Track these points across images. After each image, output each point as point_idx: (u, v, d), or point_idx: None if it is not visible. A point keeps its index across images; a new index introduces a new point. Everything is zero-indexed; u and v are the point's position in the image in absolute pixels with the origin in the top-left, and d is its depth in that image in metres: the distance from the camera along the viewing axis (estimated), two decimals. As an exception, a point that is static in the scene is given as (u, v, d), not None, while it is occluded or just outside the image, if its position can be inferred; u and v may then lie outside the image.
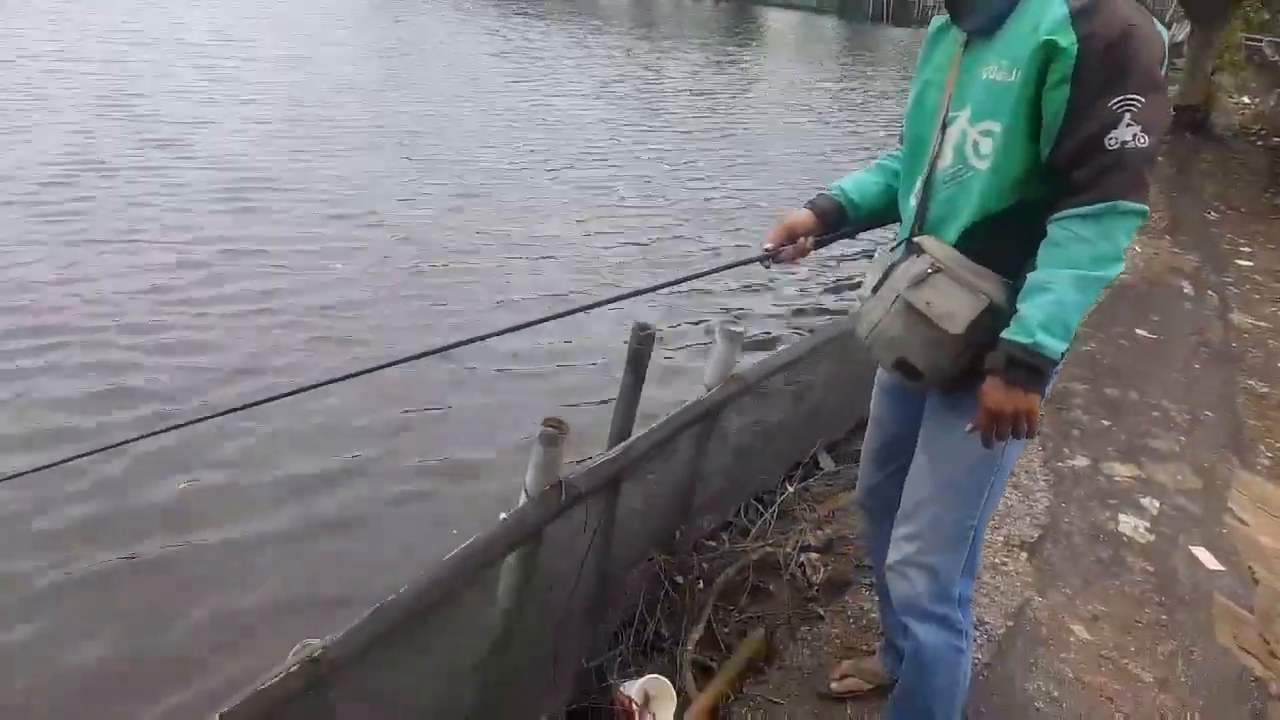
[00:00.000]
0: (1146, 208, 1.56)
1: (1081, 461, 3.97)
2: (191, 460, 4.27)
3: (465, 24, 24.70)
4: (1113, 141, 1.52)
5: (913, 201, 1.90)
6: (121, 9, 18.07)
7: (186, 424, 1.89)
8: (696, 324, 6.63)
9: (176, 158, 8.80)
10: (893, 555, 2.01)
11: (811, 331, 4.66)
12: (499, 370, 5.61)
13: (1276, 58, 25.92)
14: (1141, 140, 1.51)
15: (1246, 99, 21.15)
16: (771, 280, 7.58)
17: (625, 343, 2.76)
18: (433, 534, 4.04)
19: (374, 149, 10.13)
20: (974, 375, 1.70)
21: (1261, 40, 26.43)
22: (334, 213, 7.81)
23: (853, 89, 21.64)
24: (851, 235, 2.29)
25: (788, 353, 3.43)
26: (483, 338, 2.11)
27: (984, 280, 1.72)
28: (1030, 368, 1.61)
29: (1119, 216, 1.54)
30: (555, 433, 2.25)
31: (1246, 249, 8.38)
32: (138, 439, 1.97)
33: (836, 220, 2.15)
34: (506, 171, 9.99)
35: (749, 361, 3.23)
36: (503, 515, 2.32)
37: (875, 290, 1.90)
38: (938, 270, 1.76)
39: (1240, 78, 21.64)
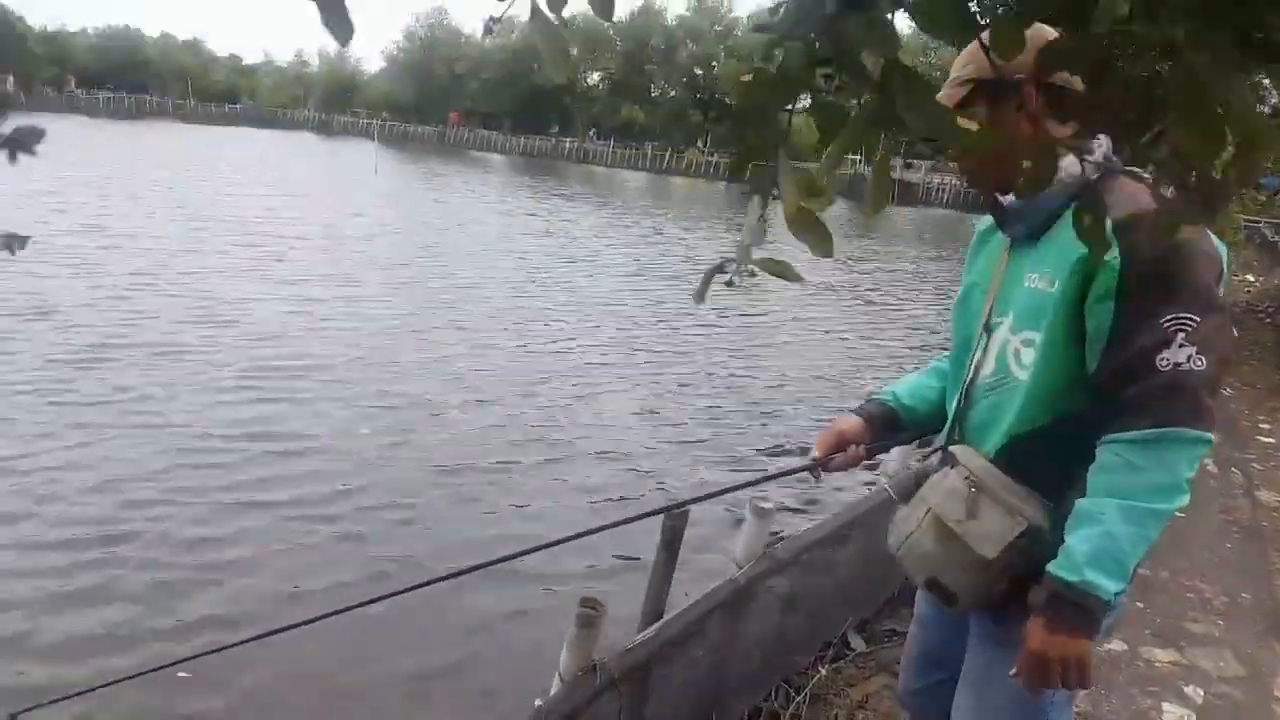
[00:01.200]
0: (1210, 435, 1.43)
1: (1118, 646, 3.86)
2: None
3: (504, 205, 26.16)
4: (1165, 363, 1.42)
5: (954, 406, 1.82)
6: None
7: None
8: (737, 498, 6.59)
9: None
10: None
11: (839, 511, 4.64)
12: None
13: (1276, 238, 26.81)
14: (1198, 363, 1.40)
15: (1250, 277, 21.71)
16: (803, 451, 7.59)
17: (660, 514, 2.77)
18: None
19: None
20: (1021, 598, 1.56)
21: (1260, 221, 27.52)
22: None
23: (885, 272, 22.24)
24: (906, 442, 2.20)
25: (819, 529, 3.43)
26: (524, 552, 2.00)
27: (1023, 501, 1.61)
28: (1078, 608, 1.46)
29: (1178, 445, 1.42)
30: (592, 614, 2.25)
31: (1266, 425, 8.39)
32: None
33: (888, 427, 2.01)
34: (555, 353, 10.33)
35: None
36: (537, 702, 2.28)
37: (907, 498, 1.81)
38: (973, 487, 1.65)
39: (1243, 257, 22.28)
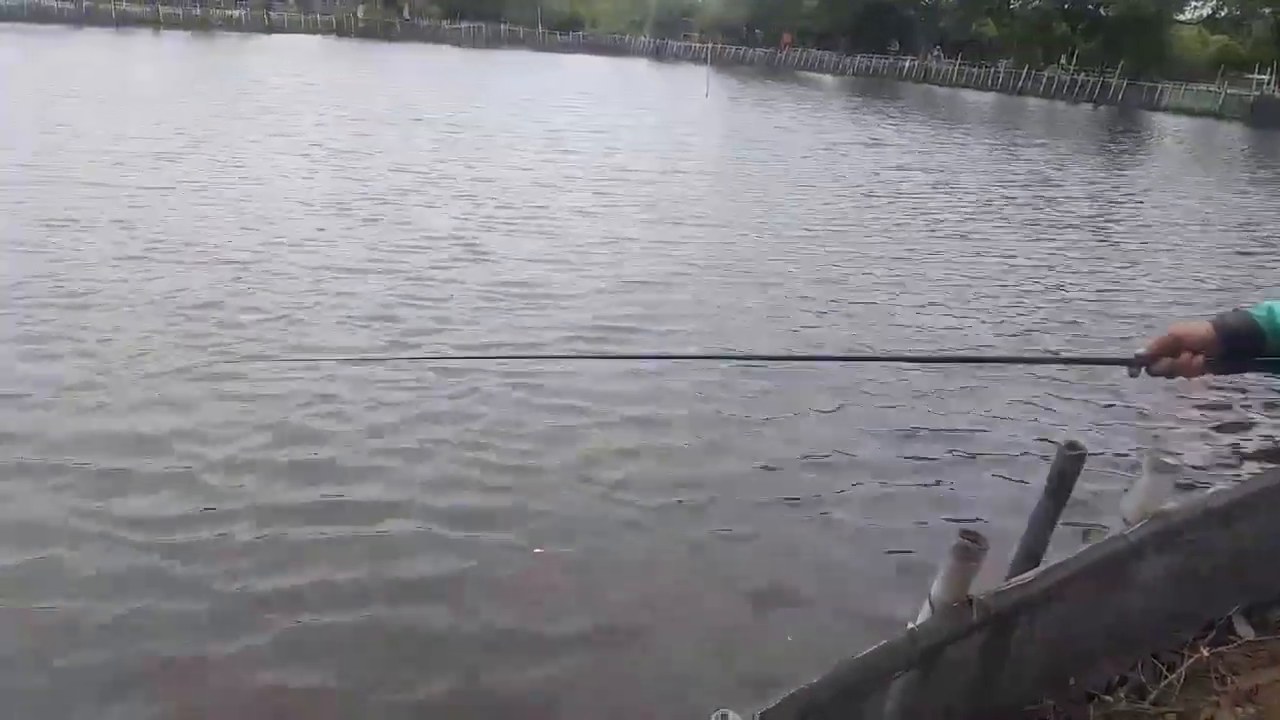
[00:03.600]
0: None
1: None
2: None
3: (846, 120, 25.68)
4: None
5: None
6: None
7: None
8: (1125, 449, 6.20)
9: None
10: None
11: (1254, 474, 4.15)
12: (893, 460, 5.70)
13: None
14: None
15: None
16: (1212, 409, 6.98)
17: (1037, 455, 2.62)
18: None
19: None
20: None
21: None
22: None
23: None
24: (1267, 371, 1.77)
25: (1223, 495, 3.05)
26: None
27: None
28: None
29: None
30: (973, 547, 2.17)
31: None
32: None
33: (1244, 345, 1.66)
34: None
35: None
36: (910, 625, 2.26)
37: None
38: None
39: None
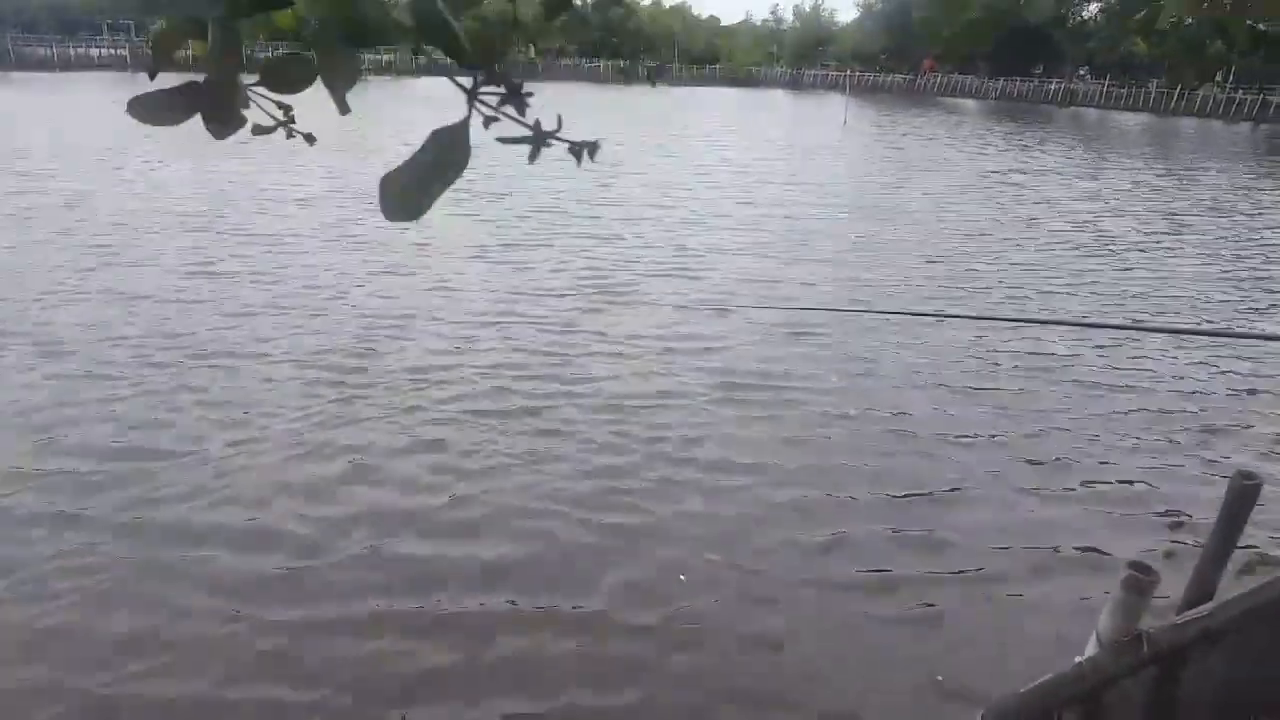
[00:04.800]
0: None
1: None
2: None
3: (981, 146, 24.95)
4: None
5: None
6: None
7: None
8: None
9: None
10: None
11: None
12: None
13: None
14: None
15: None
16: None
17: (1216, 480, 2.53)
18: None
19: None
20: None
21: None
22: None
23: None
24: None
25: None
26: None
27: None
28: None
29: None
30: (1143, 580, 2.14)
31: None
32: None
33: None
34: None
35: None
36: (1077, 659, 2.24)
37: None
38: None
39: None
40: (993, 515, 5.17)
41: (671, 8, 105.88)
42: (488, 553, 4.60)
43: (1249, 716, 2.85)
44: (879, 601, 4.31)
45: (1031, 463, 5.87)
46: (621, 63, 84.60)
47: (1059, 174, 22.36)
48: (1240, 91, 55.83)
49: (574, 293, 9.53)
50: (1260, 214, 17.49)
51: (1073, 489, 5.53)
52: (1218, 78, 59.36)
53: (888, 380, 7.30)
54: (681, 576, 4.44)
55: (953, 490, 5.45)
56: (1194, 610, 2.36)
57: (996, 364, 7.78)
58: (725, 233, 13.14)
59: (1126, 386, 7.30)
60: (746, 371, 7.35)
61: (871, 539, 4.85)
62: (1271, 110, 53.06)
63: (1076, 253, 12.71)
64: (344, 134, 24.75)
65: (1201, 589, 2.52)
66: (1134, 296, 10.23)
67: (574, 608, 4.18)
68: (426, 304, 8.93)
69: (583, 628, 4.05)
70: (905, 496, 5.36)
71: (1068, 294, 10.31)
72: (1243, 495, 2.40)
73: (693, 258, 11.46)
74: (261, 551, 4.56)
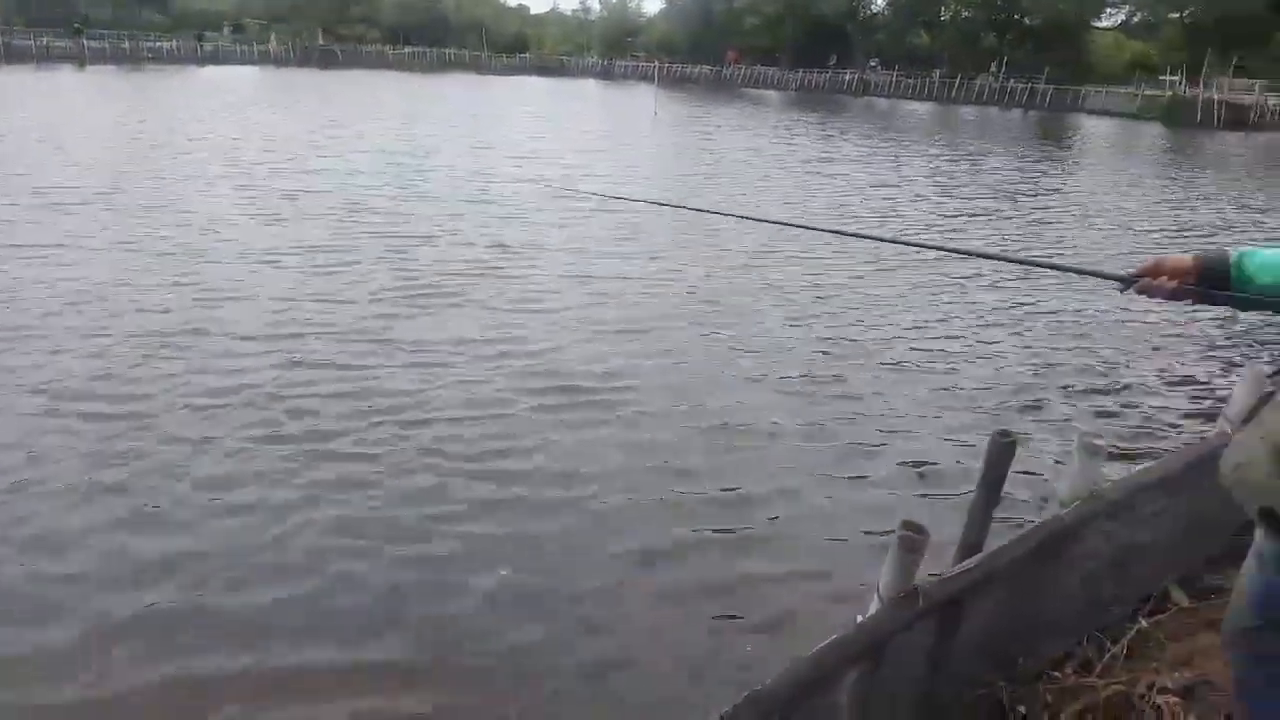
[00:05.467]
0: None
1: None
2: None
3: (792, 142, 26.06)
4: None
5: None
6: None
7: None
8: (1056, 430, 6.55)
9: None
10: None
11: (1173, 450, 4.34)
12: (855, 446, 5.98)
13: None
14: None
15: None
16: (1132, 390, 7.50)
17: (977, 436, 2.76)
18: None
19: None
20: None
21: None
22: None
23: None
24: (1235, 306, 2.01)
25: (1150, 472, 3.22)
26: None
27: None
28: None
29: None
30: (917, 538, 2.28)
31: None
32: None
33: (1215, 279, 1.92)
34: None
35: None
36: (859, 618, 2.36)
37: (1245, 421, 1.72)
38: None
39: None
40: (808, 505, 5.37)
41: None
42: (293, 603, 4.20)
43: (1018, 656, 3.16)
44: (705, 604, 4.38)
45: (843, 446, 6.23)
46: (430, 50, 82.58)
47: (865, 162, 23.74)
48: (1012, 81, 61.28)
49: (381, 298, 8.95)
50: (1039, 195, 19.45)
51: (886, 470, 5.84)
52: (992, 68, 65.14)
53: (712, 377, 7.32)
54: (506, 607, 4.28)
55: (772, 485, 5.56)
56: (964, 562, 2.56)
57: (823, 353, 8.09)
58: (546, 229, 12.84)
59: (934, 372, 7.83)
60: (571, 373, 7.14)
61: (702, 544, 4.89)
62: (1039, 98, 58.56)
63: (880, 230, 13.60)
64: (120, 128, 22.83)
65: (970, 545, 2.75)
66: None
67: (392, 658, 3.91)
68: (209, 318, 8.01)
69: (408, 678, 3.80)
70: (731, 494, 5.43)
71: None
72: (1001, 452, 2.63)
73: (512, 256, 11.13)
74: (31, 625, 3.98)
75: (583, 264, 10.91)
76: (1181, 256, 1.97)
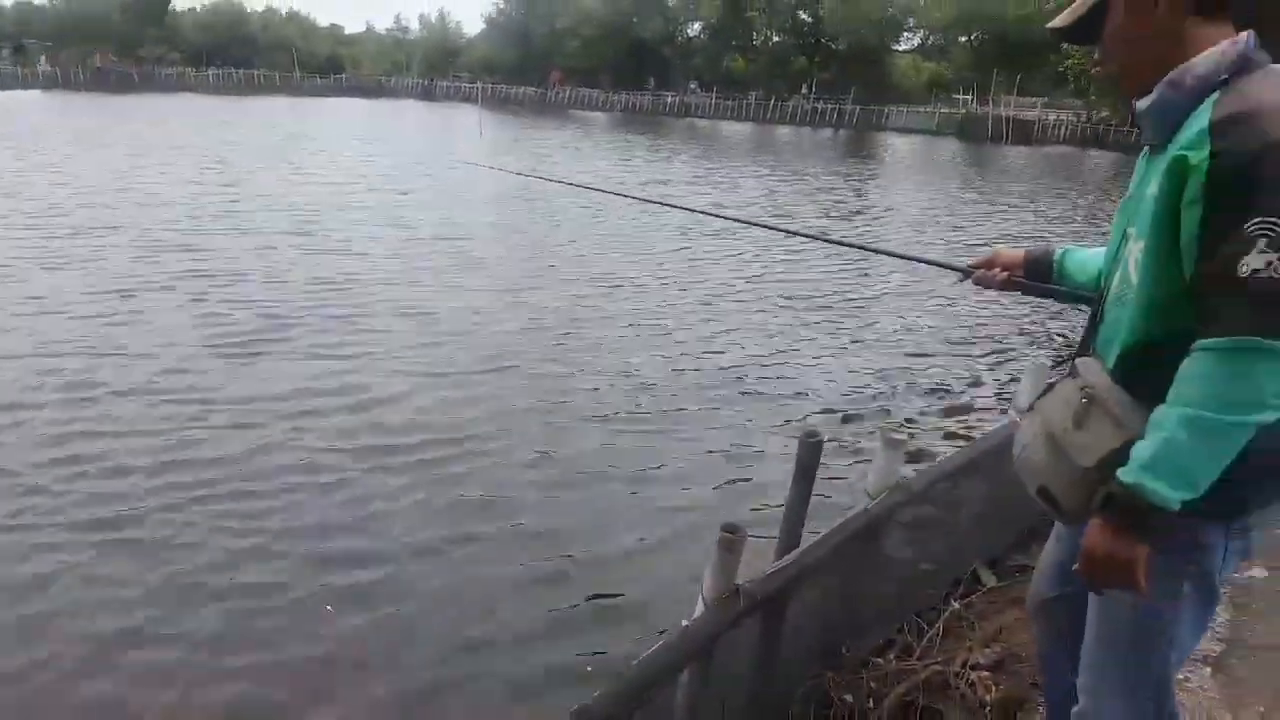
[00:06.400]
0: None
1: (1260, 572, 3.74)
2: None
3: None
4: (1244, 269, 1.35)
5: (1090, 319, 1.83)
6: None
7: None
8: (867, 429, 6.85)
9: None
10: (1079, 703, 1.89)
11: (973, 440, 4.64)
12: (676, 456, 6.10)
13: None
14: (1279, 270, 1.33)
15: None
16: (939, 387, 7.99)
17: (794, 439, 2.83)
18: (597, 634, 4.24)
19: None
20: None
21: None
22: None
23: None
24: (1056, 298, 2.18)
25: (951, 460, 3.43)
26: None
27: (1130, 414, 1.57)
28: (1129, 510, 1.47)
29: (1255, 357, 1.36)
30: (733, 539, 2.32)
31: None
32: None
33: (1039, 272, 2.09)
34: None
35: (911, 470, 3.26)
36: (684, 622, 2.38)
37: (1029, 411, 1.84)
38: (1087, 398, 1.64)
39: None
40: (642, 526, 5.35)
41: (288, 15, 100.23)
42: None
43: (842, 646, 3.27)
44: (540, 635, 4.30)
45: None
46: (235, 72, 78.64)
47: (701, 183, 24.12)
48: (822, 102, 64.74)
49: (178, 346, 7.93)
50: (870, 210, 20.57)
51: (711, 481, 5.93)
52: (804, 90, 68.72)
53: (539, 410, 7.02)
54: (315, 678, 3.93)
55: (600, 511, 5.50)
56: (782, 559, 2.63)
57: (642, 383, 8.12)
58: (373, 260, 12.06)
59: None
60: (399, 427, 6.46)
61: (534, 578, 4.77)
62: (847, 118, 62.14)
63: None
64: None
65: (789, 540, 2.83)
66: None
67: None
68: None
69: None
70: (559, 528, 5.27)
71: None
72: (810, 452, 2.73)
73: (333, 291, 10.23)
74: None
75: (415, 297, 10.31)
76: (1014, 250, 2.14)
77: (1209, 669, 3.10)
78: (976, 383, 8.30)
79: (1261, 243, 1.33)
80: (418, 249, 13.09)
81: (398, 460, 5.97)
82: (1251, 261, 1.34)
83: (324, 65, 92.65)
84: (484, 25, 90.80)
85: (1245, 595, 3.59)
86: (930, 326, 10.09)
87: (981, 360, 8.98)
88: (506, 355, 8.27)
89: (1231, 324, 1.37)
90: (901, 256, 2.76)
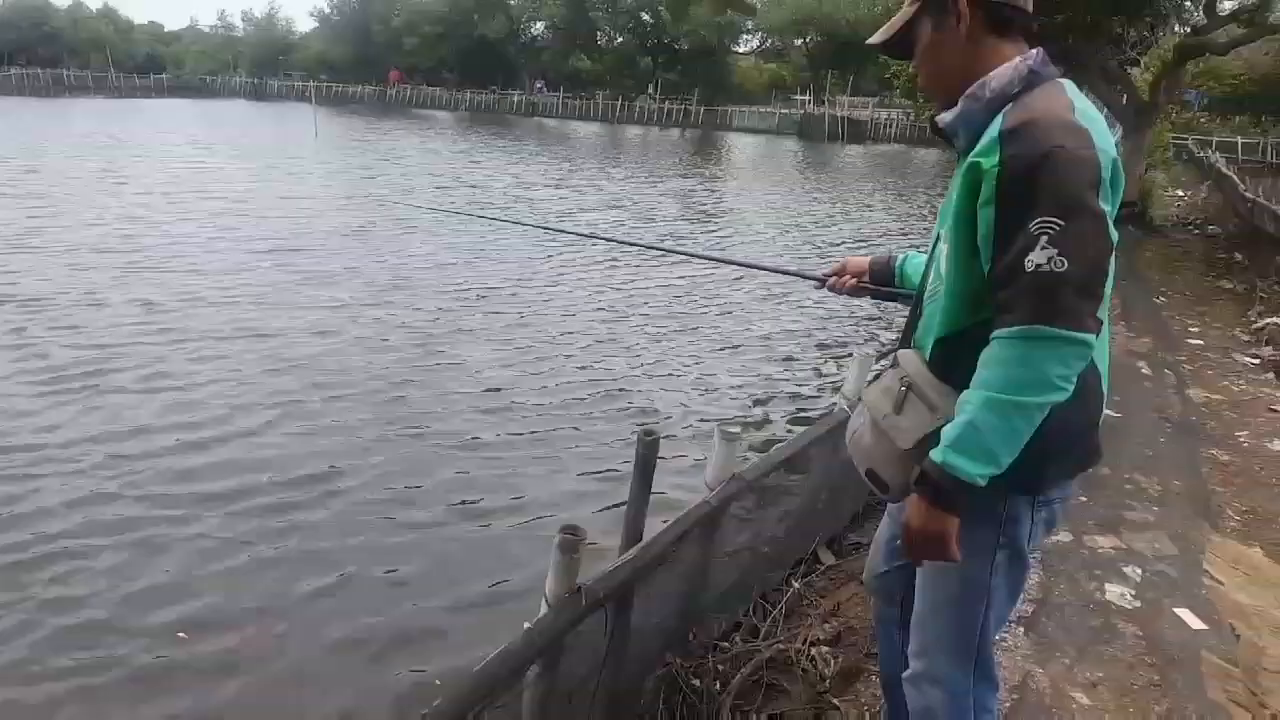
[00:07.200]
0: (1077, 334, 1.51)
1: (1065, 536, 4.17)
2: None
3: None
4: (1030, 264, 1.51)
5: (909, 314, 2.00)
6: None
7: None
8: (703, 423, 7.12)
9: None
10: (909, 667, 2.06)
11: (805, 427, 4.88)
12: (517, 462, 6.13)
13: (1201, 154, 27.84)
14: (1059, 264, 1.49)
15: (1180, 192, 22.51)
16: (772, 383, 8.32)
17: (633, 433, 2.93)
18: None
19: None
20: None
21: (1187, 139, 28.92)
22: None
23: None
24: (899, 300, 2.33)
25: (784, 449, 3.64)
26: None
27: (942, 399, 1.72)
28: (939, 486, 1.61)
29: (1042, 342, 1.52)
30: (573, 539, 2.41)
31: (1195, 329, 8.87)
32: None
33: (883, 277, 2.30)
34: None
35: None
36: (526, 624, 2.45)
37: (858, 399, 2.04)
38: (906, 386, 1.79)
39: (1171, 173, 23.07)
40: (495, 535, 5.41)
41: (100, 11, 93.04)
42: None
43: (689, 630, 3.43)
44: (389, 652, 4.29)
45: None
46: (41, 72, 72.50)
47: (562, 186, 23.89)
48: (668, 102, 65.71)
49: None
50: (730, 211, 20.95)
51: (554, 487, 6.00)
52: (650, 90, 69.60)
53: (380, 428, 6.81)
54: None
55: (449, 522, 5.49)
56: (625, 554, 2.74)
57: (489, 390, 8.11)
58: (208, 275, 11.19)
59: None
60: (246, 465, 6.04)
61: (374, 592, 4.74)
62: (693, 117, 63.37)
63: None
64: None
65: (632, 535, 2.96)
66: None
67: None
68: None
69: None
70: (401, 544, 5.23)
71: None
72: (647, 449, 2.87)
73: (162, 316, 9.35)
74: None
75: (253, 319, 9.57)
76: (861, 259, 2.37)
77: (1022, 628, 3.44)
78: (817, 375, 8.76)
79: (1043, 239, 1.50)
80: (257, 262, 12.32)
81: (240, 505, 5.51)
82: (1035, 257, 1.50)
83: (143, 64, 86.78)
84: (316, 22, 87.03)
85: (1052, 558, 4.00)
86: (784, 330, 10.38)
87: (819, 356, 9.46)
88: (355, 378, 7.85)
89: (1020, 314, 1.53)
90: (770, 270, 2.94)
